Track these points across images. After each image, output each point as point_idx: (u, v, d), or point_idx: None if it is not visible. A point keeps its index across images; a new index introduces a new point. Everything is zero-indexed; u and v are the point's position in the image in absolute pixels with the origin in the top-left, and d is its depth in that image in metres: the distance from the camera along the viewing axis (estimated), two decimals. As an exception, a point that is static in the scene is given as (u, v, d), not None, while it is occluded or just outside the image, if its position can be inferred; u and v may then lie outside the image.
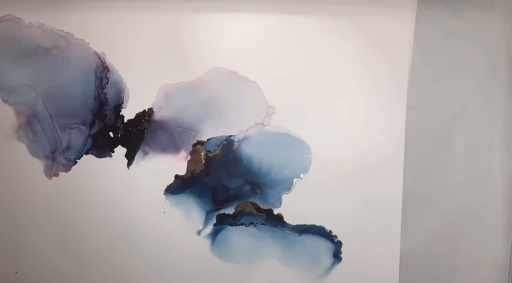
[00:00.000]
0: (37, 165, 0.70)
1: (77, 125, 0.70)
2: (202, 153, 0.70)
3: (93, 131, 0.70)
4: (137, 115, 0.70)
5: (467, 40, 0.70)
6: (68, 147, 0.70)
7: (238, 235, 0.70)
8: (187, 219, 0.70)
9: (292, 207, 0.69)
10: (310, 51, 0.69)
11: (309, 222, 0.69)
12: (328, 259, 0.69)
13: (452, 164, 0.70)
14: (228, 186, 0.70)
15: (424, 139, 0.70)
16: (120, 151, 0.70)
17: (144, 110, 0.70)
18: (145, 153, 0.70)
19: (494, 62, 0.70)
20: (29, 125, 0.70)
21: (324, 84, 0.69)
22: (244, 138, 0.70)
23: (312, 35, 0.69)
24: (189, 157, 0.70)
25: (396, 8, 0.69)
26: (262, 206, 0.69)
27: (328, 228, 0.69)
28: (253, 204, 0.70)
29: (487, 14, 0.70)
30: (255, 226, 0.69)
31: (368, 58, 0.69)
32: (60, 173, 0.70)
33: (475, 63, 0.70)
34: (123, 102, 0.70)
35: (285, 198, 0.69)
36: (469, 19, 0.70)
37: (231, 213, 0.70)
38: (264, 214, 0.69)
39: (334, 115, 0.69)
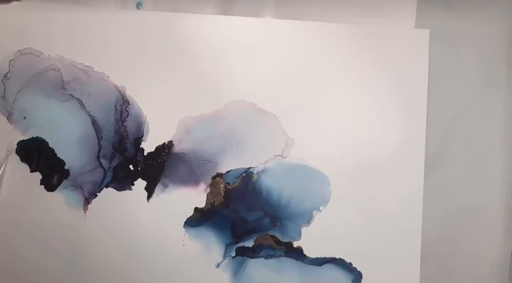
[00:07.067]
0: (58, 197, 0.71)
1: (97, 158, 0.70)
2: (222, 186, 0.70)
3: (114, 164, 0.70)
4: (157, 148, 0.70)
5: (468, 40, 0.71)
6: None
7: (257, 268, 0.69)
8: (206, 252, 0.70)
9: (312, 240, 0.69)
10: (325, 77, 0.70)
11: (328, 255, 0.69)
12: (349, 292, 0.69)
13: (453, 164, 0.70)
14: (247, 219, 0.70)
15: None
16: (140, 184, 0.70)
17: (164, 143, 0.70)
18: (165, 186, 0.70)
19: (494, 62, 0.71)
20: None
21: (341, 115, 0.70)
22: (263, 170, 0.70)
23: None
24: (208, 190, 0.70)
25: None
26: (282, 239, 0.69)
27: (348, 259, 0.69)
28: (272, 237, 0.69)
29: (487, 14, 0.71)
30: (275, 259, 0.69)
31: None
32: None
33: (475, 64, 0.71)
34: (143, 135, 0.70)
35: (305, 230, 0.69)
36: (469, 19, 0.70)
37: (251, 245, 0.70)
38: (284, 247, 0.69)
39: (353, 145, 0.69)
